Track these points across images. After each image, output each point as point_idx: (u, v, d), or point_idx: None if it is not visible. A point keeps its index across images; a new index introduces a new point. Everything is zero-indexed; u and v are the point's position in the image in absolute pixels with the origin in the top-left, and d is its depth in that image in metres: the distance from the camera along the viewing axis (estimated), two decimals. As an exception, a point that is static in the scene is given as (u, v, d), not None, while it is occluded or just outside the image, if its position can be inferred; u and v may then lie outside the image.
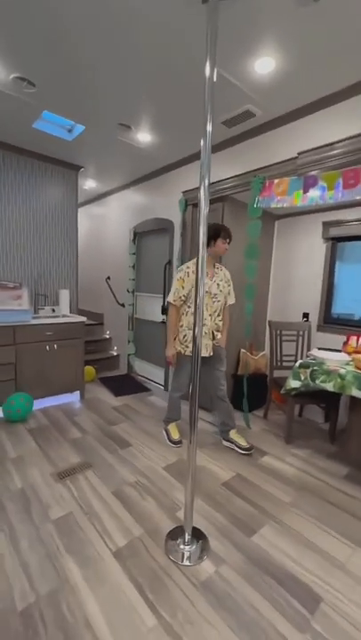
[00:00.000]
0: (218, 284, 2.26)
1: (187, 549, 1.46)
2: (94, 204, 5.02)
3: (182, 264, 3.27)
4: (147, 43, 1.71)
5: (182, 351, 2.28)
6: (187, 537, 1.48)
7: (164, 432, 2.53)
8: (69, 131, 2.93)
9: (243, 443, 2.32)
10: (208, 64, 1.31)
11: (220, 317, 2.31)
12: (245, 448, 2.28)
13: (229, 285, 2.36)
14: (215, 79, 1.35)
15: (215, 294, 2.25)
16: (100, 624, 1.14)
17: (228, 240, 2.23)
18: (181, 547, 1.47)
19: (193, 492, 1.47)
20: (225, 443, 2.41)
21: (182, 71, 1.92)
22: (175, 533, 1.56)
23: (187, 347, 2.25)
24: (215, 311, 2.27)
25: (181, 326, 2.29)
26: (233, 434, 2.37)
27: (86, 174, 3.87)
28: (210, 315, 2.25)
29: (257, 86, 2.03)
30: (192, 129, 2.60)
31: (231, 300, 2.40)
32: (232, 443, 2.35)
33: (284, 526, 1.65)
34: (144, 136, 2.79)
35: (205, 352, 2.24)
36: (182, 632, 1.12)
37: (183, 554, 1.44)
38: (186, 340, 2.26)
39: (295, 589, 1.30)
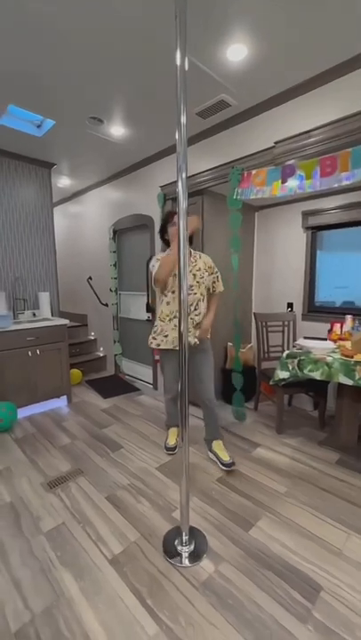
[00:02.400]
0: (194, 275, 2.00)
1: (185, 550, 1.44)
2: (70, 203, 4.88)
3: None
4: (113, 30, 1.64)
5: (150, 343, 2.11)
6: (184, 537, 1.46)
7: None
8: (38, 126, 2.81)
9: (224, 457, 2.06)
10: (178, 52, 1.26)
11: (197, 311, 2.03)
12: (226, 463, 2.03)
13: (213, 273, 2.12)
14: (187, 68, 1.30)
15: (190, 286, 1.98)
16: (99, 637, 1.10)
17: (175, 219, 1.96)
18: (179, 548, 1.45)
19: (188, 491, 1.45)
20: (210, 454, 2.20)
21: (153, 60, 1.85)
22: (172, 534, 1.53)
23: (154, 339, 2.09)
24: (191, 304, 2.00)
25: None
26: (216, 445, 2.15)
27: (60, 171, 3.74)
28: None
29: (230, 75, 1.99)
30: (167, 121, 2.53)
31: (219, 288, 2.18)
32: (215, 455, 2.12)
33: (280, 517, 1.65)
34: (117, 130, 2.71)
35: (171, 345, 2.04)
36: (185, 636, 1.10)
37: (181, 555, 1.42)
38: (155, 332, 2.09)
39: (295, 580, 1.31)
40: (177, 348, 1.84)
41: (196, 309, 2.03)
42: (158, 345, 2.06)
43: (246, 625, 1.14)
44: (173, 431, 2.39)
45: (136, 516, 1.67)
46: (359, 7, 1.50)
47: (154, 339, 2.10)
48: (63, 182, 4.17)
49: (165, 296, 2.05)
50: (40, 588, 1.28)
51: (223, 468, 2.04)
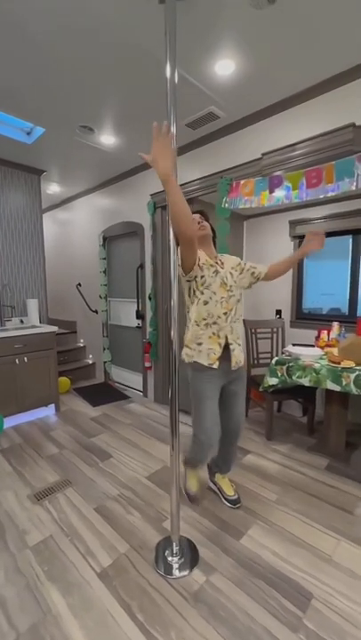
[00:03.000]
0: (231, 274, 1.56)
1: (175, 561, 1.41)
2: (60, 209, 4.86)
3: (155, 267, 3.24)
4: (104, 42, 1.66)
5: (187, 359, 1.57)
6: (175, 548, 1.44)
7: (185, 473, 1.82)
8: (28, 133, 2.80)
9: (230, 492, 1.81)
10: (169, 65, 1.29)
11: (238, 323, 1.59)
12: (231, 500, 1.78)
13: (243, 270, 1.63)
14: (177, 81, 1.33)
15: (230, 286, 1.53)
16: (87, 655, 1.07)
17: (201, 218, 1.60)
18: (170, 559, 1.43)
19: (178, 501, 1.43)
20: (210, 484, 1.93)
21: (144, 72, 1.89)
22: (163, 545, 1.51)
23: (188, 347, 1.57)
24: (232, 310, 1.53)
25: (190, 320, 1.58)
26: (220, 478, 1.88)
27: (49, 178, 3.73)
28: (224, 313, 1.51)
29: (219, 88, 2.04)
30: (157, 131, 2.56)
31: (263, 269, 1.67)
32: (218, 487, 1.88)
33: (271, 525, 1.65)
34: (107, 138, 2.73)
35: (208, 361, 1.52)
36: (176, 650, 1.08)
37: (172, 566, 1.40)
38: (188, 340, 1.57)
39: (286, 589, 1.30)
40: (211, 365, 1.51)
41: (236, 320, 1.58)
42: (192, 357, 1.55)
43: (239, 637, 1.12)
44: (193, 474, 1.81)
45: (126, 528, 1.64)
46: (344, 24, 1.57)
47: (188, 347, 1.57)
48: (53, 189, 4.16)
49: (202, 294, 1.50)
50: (26, 606, 1.24)
51: (227, 504, 1.79)
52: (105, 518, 1.70)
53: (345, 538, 1.55)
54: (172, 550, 1.44)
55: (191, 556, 1.45)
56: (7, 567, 1.41)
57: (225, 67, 1.84)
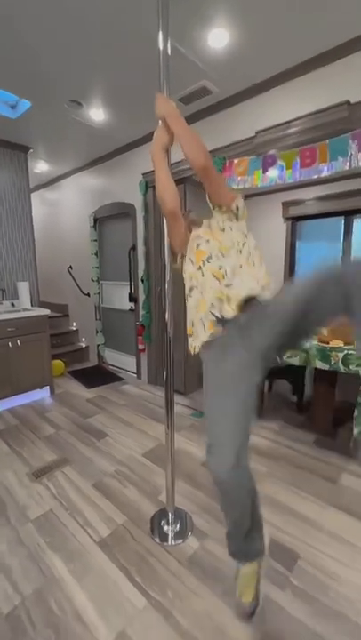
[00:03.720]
0: (208, 240, 1.16)
1: (171, 529, 1.50)
2: (48, 189, 4.71)
3: (147, 248, 3.21)
4: (93, 10, 1.58)
5: (192, 350, 1.18)
6: (170, 517, 1.52)
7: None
8: (13, 107, 2.67)
9: (246, 597, 1.07)
10: (161, 36, 1.24)
11: (230, 258, 1.12)
12: (247, 609, 1.07)
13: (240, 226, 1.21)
14: (169, 52, 1.29)
15: (209, 255, 1.13)
16: (90, 614, 1.15)
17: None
18: (165, 528, 1.51)
19: (173, 474, 1.50)
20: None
21: (134, 43, 1.80)
22: (158, 516, 1.59)
23: (196, 332, 1.15)
24: (209, 255, 1.13)
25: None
26: (244, 572, 1.10)
27: (37, 156, 3.59)
28: (199, 268, 1.14)
29: (212, 61, 1.96)
30: (148, 106, 2.46)
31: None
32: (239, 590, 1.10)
33: (261, 495, 1.74)
34: (97, 114, 2.63)
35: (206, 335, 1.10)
36: (173, 608, 1.17)
37: (168, 534, 1.48)
38: (190, 319, 1.18)
39: (274, 551, 1.40)
40: (223, 334, 1.06)
41: (223, 255, 1.12)
42: (192, 346, 1.17)
43: (230, 594, 1.21)
44: (250, 575, 1.10)
45: (123, 501, 1.71)
46: (339, -2, 1.51)
47: (189, 337, 1.19)
48: (40, 167, 4.01)
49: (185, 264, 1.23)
50: (29, 573, 1.30)
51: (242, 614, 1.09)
52: (102, 493, 1.77)
53: (330, 505, 1.66)
54: (168, 520, 1.52)
55: (186, 525, 1.53)
56: (10, 539, 1.47)
57: (219, 38, 1.77)
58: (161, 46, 1.25)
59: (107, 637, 1.07)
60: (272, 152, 2.17)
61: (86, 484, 1.85)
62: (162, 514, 1.59)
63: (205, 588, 1.23)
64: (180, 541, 1.45)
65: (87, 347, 4.39)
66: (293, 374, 2.64)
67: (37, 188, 4.84)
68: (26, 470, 1.98)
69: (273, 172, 2.15)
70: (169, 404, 1.44)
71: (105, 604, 1.18)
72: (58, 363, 3.67)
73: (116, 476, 1.92)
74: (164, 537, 1.47)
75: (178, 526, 1.52)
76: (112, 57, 1.94)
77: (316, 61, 1.94)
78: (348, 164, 1.85)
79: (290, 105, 2.08)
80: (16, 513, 1.63)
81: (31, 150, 3.36)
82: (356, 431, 2.02)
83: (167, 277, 1.36)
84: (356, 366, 1.94)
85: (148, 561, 1.36)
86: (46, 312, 3.08)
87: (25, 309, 3.16)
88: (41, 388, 3.12)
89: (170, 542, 1.45)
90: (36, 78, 2.15)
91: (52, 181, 4.56)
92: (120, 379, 3.67)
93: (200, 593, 1.22)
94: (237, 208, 1.19)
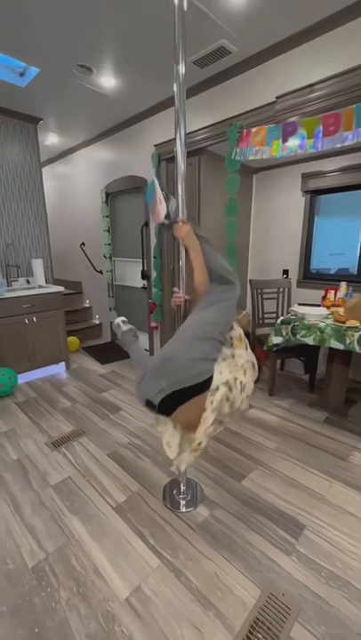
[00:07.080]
0: None
1: (182, 498, 1.57)
2: (59, 163, 4.61)
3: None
4: None
5: None
6: (182, 487, 1.59)
7: None
8: (21, 75, 2.58)
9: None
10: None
11: None
12: None
13: None
14: (185, 8, 1.19)
15: None
16: (108, 570, 1.24)
17: None
18: (177, 496, 1.58)
19: (186, 448, 1.55)
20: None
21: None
22: (171, 485, 1.66)
23: None
24: None
25: None
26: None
27: (46, 127, 3.49)
28: None
29: (231, 17, 1.81)
30: (160, 70, 2.34)
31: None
32: None
33: (270, 469, 1.79)
34: (108, 80, 2.50)
35: None
36: (184, 568, 1.25)
37: (180, 502, 1.55)
38: None
39: (282, 521, 1.45)
40: None
41: None
42: None
43: (238, 557, 1.28)
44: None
45: (137, 471, 1.79)
46: None
47: None
48: (51, 140, 3.91)
49: None
50: (52, 532, 1.41)
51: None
52: (117, 463, 1.86)
53: (338, 480, 1.69)
54: (180, 489, 1.59)
55: (197, 495, 1.61)
56: (33, 501, 1.58)
57: (239, -11, 1.63)
58: (176, 0, 1.15)
59: (123, 591, 1.17)
60: (293, 119, 2.04)
61: (102, 453, 1.94)
62: (174, 483, 1.67)
63: (215, 552, 1.31)
64: (191, 509, 1.52)
65: (100, 323, 4.46)
66: (306, 353, 2.63)
67: (48, 162, 4.75)
68: (45, 440, 2.09)
69: (293, 142, 2.03)
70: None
71: (121, 562, 1.27)
72: (73, 339, 3.76)
73: (129, 447, 2.01)
74: (175, 504, 1.55)
75: (189, 495, 1.59)
76: (123, 15, 1.81)
77: (343, 15, 1.77)
78: (375, 131, 1.72)
79: (314, 66, 1.93)
80: (37, 478, 1.74)
81: (41, 122, 3.27)
82: (368, 411, 2.02)
83: (183, 255, 1.34)
84: (372, 346, 1.91)
85: (161, 525, 1.44)
86: (61, 289, 3.11)
87: (40, 286, 3.20)
88: (57, 363, 3.22)
89: (181, 509, 1.52)
90: (42, 42, 2.05)
91: (62, 154, 4.45)
92: (133, 355, 3.73)
93: (210, 556, 1.29)
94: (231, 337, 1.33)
